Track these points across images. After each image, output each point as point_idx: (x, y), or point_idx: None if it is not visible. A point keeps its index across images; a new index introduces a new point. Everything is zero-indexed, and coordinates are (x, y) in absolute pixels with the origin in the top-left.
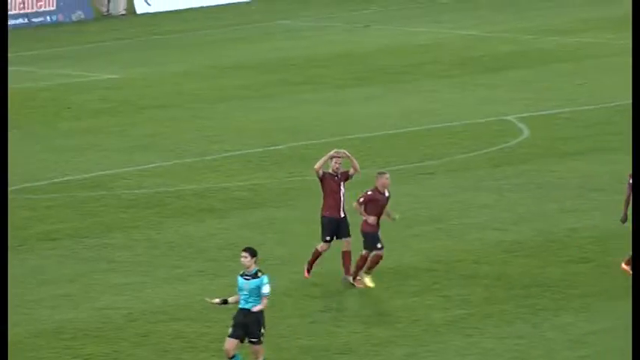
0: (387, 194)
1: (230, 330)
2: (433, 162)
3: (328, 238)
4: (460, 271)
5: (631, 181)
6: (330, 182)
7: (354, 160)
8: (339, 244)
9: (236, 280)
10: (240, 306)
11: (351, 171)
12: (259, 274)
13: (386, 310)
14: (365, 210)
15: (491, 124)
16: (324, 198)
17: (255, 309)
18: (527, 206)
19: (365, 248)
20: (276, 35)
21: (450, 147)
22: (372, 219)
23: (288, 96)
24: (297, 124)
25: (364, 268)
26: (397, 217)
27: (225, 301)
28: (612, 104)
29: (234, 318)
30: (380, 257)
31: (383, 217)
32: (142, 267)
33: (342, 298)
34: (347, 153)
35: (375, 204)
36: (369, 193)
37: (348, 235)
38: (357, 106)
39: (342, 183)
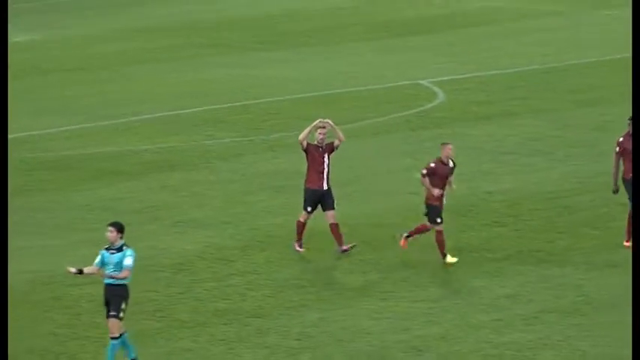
0: (451, 164)
1: (105, 310)
2: (349, 125)
3: (310, 209)
4: (376, 234)
5: (618, 150)
6: (314, 154)
7: (339, 131)
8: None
9: (101, 254)
10: (105, 282)
11: (336, 142)
12: (124, 247)
13: (299, 274)
14: (430, 182)
15: (407, 87)
16: (308, 169)
17: (109, 274)
18: None
19: (428, 220)
20: None
21: (367, 110)
22: (437, 191)
23: (199, 59)
24: (208, 87)
25: (411, 232)
26: (454, 187)
27: (80, 271)
28: (517, 69)
29: (103, 295)
30: (440, 232)
31: (447, 189)
32: (58, 230)
33: (256, 262)
34: (331, 123)
35: (440, 175)
36: (432, 165)
37: (332, 207)
38: (270, 69)
39: (326, 154)
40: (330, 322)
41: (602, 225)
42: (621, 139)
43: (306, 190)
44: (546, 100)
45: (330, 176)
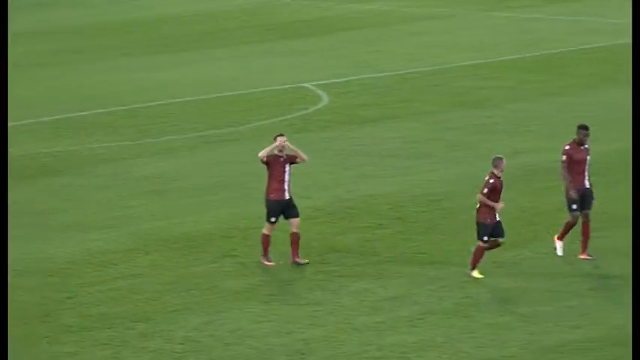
0: (501, 178)
1: None
2: (236, 129)
3: (273, 219)
4: (258, 237)
5: (564, 158)
6: (276, 164)
7: (301, 153)
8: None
9: None
10: None
11: (298, 159)
12: None
13: (183, 277)
14: (489, 199)
15: (291, 90)
16: (269, 180)
17: None
18: (326, 173)
19: (478, 239)
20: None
21: (252, 114)
22: (500, 205)
23: (84, 64)
24: (94, 91)
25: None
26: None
27: None
28: (400, 72)
29: None
30: (481, 249)
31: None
32: None
33: (140, 265)
34: (292, 147)
35: (496, 190)
36: (491, 181)
37: (297, 215)
38: (157, 73)
39: (287, 164)
40: (214, 325)
41: None
42: (567, 147)
43: (268, 201)
44: (429, 103)
45: (290, 186)
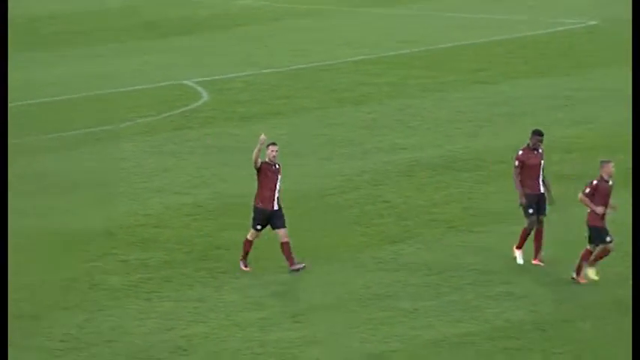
0: (610, 182)
1: None
2: (115, 126)
3: (259, 227)
4: (140, 235)
5: (517, 164)
6: (267, 172)
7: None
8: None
9: None
10: None
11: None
12: None
13: (63, 275)
14: (592, 201)
15: (172, 88)
16: (260, 188)
17: None
18: (208, 169)
19: (590, 242)
20: None
21: (132, 111)
22: (599, 209)
23: None
24: None
25: (590, 260)
26: (616, 206)
27: None
28: (282, 69)
29: None
30: (609, 250)
31: (608, 210)
32: None
33: (20, 263)
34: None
35: (601, 193)
36: (594, 182)
37: (283, 225)
38: (32, 71)
39: (279, 174)
40: (95, 323)
41: (368, 222)
42: (520, 153)
43: (256, 209)
44: (311, 99)
45: (281, 196)
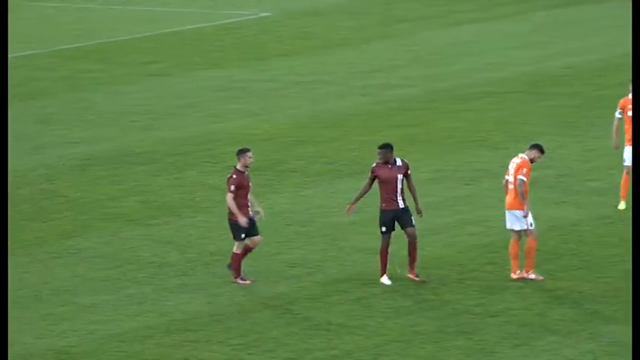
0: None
1: None
2: None
3: (244, 236)
4: None
5: (370, 175)
6: (244, 182)
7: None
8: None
9: None
10: None
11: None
12: None
13: None
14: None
15: None
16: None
17: None
18: None
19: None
20: None
21: None
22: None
23: None
24: None
25: None
26: None
27: None
28: None
29: None
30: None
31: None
32: None
33: None
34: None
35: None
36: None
37: (257, 233)
38: None
39: (251, 182)
40: None
41: (44, 217)
42: (374, 165)
43: (233, 223)
44: None
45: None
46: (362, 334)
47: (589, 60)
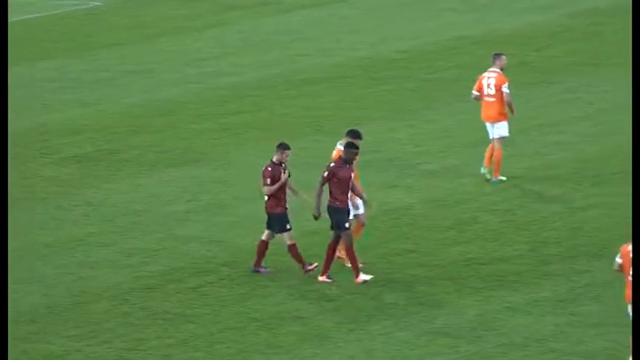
0: None
1: None
2: None
3: (288, 226)
4: None
5: (326, 174)
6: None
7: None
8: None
9: None
10: None
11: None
12: None
13: None
14: None
15: None
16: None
17: None
18: None
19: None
20: None
21: None
22: None
23: None
24: None
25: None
26: None
27: None
28: None
29: None
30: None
31: None
32: None
33: None
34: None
35: None
36: None
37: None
38: None
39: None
40: None
41: None
42: (332, 165)
43: (278, 215)
44: None
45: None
46: (198, 323)
47: (424, 43)
